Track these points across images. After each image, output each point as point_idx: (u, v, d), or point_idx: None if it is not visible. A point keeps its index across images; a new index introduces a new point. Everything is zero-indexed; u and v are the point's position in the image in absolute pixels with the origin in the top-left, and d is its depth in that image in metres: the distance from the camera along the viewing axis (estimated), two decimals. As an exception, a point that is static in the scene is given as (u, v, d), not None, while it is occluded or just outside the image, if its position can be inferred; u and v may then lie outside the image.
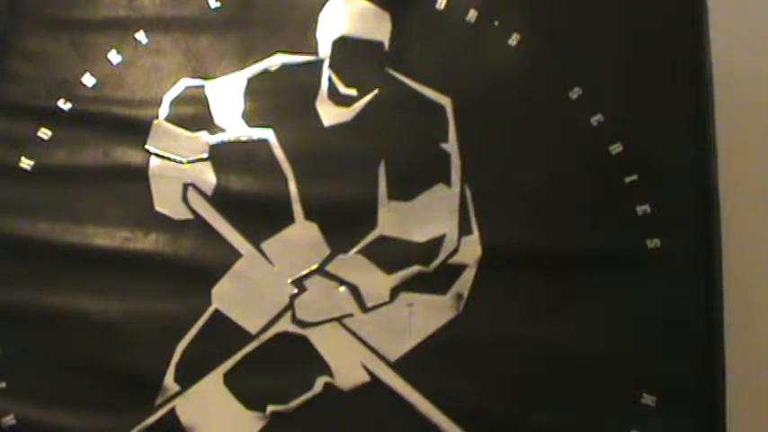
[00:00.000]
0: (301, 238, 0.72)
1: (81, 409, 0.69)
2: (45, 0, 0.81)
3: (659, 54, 0.77)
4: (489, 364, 0.69)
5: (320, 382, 0.69)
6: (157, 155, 0.75)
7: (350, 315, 0.71)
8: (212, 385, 0.69)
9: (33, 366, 0.70)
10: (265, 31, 0.79)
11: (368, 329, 0.70)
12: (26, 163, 0.75)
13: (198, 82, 0.77)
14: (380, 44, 0.78)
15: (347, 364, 0.69)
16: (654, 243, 0.71)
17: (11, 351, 0.71)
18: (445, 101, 0.76)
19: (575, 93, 0.75)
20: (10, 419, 0.69)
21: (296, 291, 0.71)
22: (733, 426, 0.68)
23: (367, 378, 0.69)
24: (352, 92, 0.76)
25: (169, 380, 0.69)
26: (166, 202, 0.74)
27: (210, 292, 0.71)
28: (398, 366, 0.69)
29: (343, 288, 0.71)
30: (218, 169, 0.75)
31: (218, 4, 0.80)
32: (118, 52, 0.78)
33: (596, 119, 0.75)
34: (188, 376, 0.69)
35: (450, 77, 0.76)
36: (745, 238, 0.78)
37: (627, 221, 0.72)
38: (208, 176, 0.75)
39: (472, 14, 0.79)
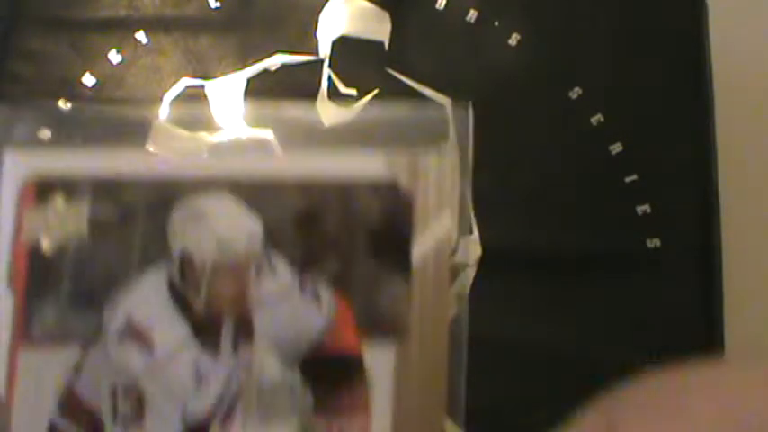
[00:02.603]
0: (301, 238, 0.72)
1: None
2: (45, 0, 0.81)
3: (659, 54, 0.77)
4: (489, 364, 0.69)
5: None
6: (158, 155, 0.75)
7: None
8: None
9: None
10: (265, 31, 0.79)
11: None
12: (26, 163, 0.75)
13: (198, 82, 0.77)
14: (380, 44, 0.78)
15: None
16: (654, 243, 0.71)
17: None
18: (445, 101, 0.76)
19: (575, 93, 0.75)
20: (10, 419, 0.69)
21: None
22: (733, 426, 0.68)
23: (367, 378, 0.69)
24: (352, 92, 0.76)
25: (169, 380, 0.69)
26: (166, 202, 0.74)
27: (210, 292, 0.71)
28: (398, 366, 0.69)
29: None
30: (218, 169, 0.74)
31: (218, 4, 0.80)
32: (118, 52, 0.78)
33: (596, 119, 0.75)
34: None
35: (451, 77, 0.76)
36: (745, 237, 0.78)
37: (627, 221, 0.72)
38: (208, 176, 0.74)
39: (472, 14, 0.79)
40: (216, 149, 0.41)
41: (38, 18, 0.81)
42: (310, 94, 0.78)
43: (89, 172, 0.44)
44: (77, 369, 0.40)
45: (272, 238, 0.41)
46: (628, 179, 0.73)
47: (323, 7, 0.79)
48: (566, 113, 0.75)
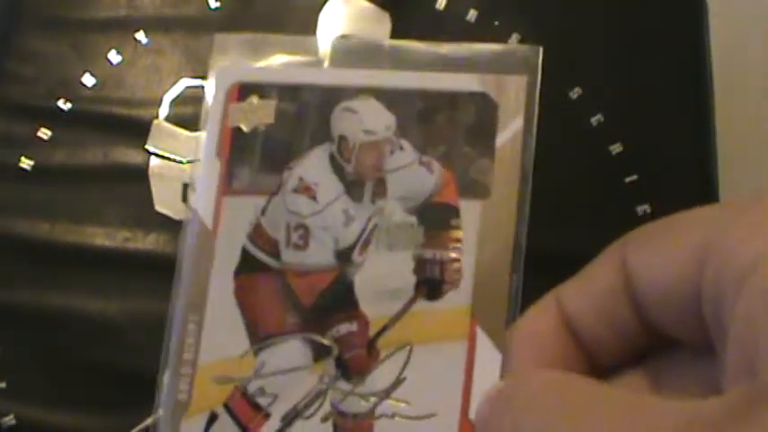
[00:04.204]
0: (301, 237, 0.73)
1: (81, 409, 0.69)
2: (45, 0, 0.81)
3: (659, 54, 0.77)
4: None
5: (320, 382, 0.69)
6: (157, 155, 0.75)
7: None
8: (212, 385, 0.69)
9: (33, 366, 0.70)
10: (265, 31, 0.79)
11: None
12: (26, 163, 0.75)
13: (198, 82, 0.77)
14: (380, 44, 0.78)
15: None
16: (654, 243, 0.71)
17: (11, 351, 0.71)
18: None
19: (575, 93, 0.75)
20: (10, 419, 0.69)
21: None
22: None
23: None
24: (352, 92, 0.77)
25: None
26: (166, 202, 0.74)
27: (210, 292, 0.71)
28: (398, 366, 0.70)
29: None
30: (218, 169, 0.75)
31: (218, 4, 0.80)
32: (118, 52, 0.78)
33: (596, 119, 0.75)
34: (188, 376, 0.69)
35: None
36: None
37: (627, 221, 0.72)
38: (208, 176, 0.75)
39: (472, 14, 0.79)
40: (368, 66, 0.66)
41: (38, 18, 0.81)
42: (310, 94, 0.78)
43: (277, 80, 0.63)
44: (263, 211, 0.59)
45: (402, 129, 0.58)
46: (628, 179, 0.73)
47: (323, 7, 0.79)
48: (566, 113, 0.75)
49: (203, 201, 0.61)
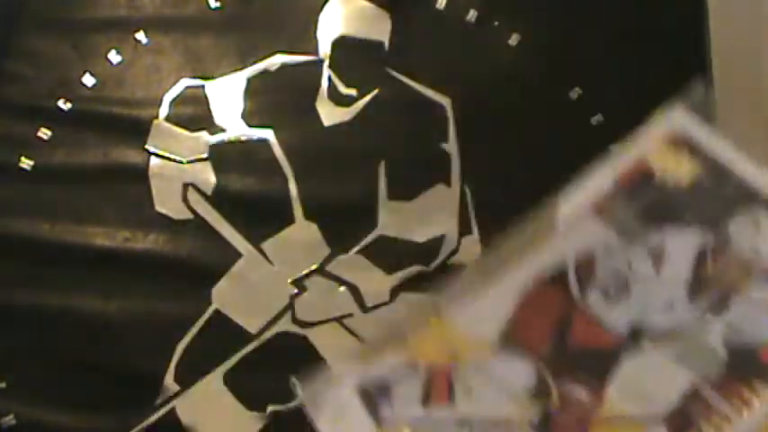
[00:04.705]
0: (301, 238, 0.72)
1: (81, 409, 0.69)
2: (45, 0, 0.81)
3: (659, 54, 0.77)
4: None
5: (320, 382, 0.69)
6: (157, 155, 0.75)
7: (350, 315, 0.71)
8: (212, 385, 0.69)
9: (33, 366, 0.70)
10: (265, 31, 0.79)
11: (368, 329, 0.70)
12: (26, 163, 0.75)
13: (198, 82, 0.77)
14: (380, 44, 0.78)
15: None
16: (654, 243, 0.71)
17: (11, 351, 0.71)
18: (445, 101, 0.76)
19: (575, 93, 0.75)
20: (10, 419, 0.69)
21: (296, 291, 0.71)
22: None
23: (367, 378, 0.70)
24: (352, 92, 0.76)
25: (169, 380, 0.69)
26: (166, 202, 0.74)
27: (210, 292, 0.71)
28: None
29: (343, 288, 0.71)
30: (218, 169, 0.75)
31: (218, 4, 0.80)
32: (118, 52, 0.78)
33: (596, 119, 0.75)
34: (188, 376, 0.69)
35: (450, 77, 0.76)
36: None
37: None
38: (208, 176, 0.75)
39: (472, 14, 0.79)
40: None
41: (38, 18, 0.81)
42: (310, 94, 0.78)
43: (711, 149, 0.61)
44: (606, 246, 0.56)
45: None
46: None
47: (323, 7, 0.80)
48: (566, 113, 0.75)
49: (570, 203, 0.60)
